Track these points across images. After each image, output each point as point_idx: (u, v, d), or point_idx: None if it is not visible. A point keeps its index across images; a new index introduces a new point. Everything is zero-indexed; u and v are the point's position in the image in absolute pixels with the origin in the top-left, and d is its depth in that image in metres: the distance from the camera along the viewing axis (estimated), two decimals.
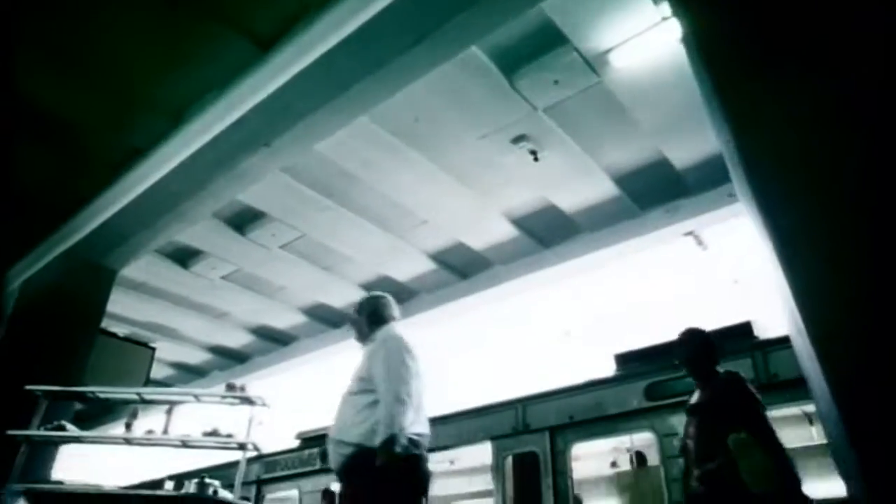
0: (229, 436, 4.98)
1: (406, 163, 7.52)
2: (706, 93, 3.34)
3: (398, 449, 3.04)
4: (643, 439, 7.99)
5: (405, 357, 3.40)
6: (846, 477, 2.92)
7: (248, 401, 5.10)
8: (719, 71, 3.11)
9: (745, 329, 7.07)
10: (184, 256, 9.84)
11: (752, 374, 6.48)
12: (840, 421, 2.30)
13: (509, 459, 8.05)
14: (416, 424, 3.33)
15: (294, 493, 10.50)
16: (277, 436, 11.29)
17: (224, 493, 4.40)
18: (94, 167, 7.28)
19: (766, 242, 2.75)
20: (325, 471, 10.06)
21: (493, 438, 8.25)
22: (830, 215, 2.53)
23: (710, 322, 7.72)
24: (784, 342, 6.45)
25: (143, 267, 9.56)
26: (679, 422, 6.82)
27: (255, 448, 4.96)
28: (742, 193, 3.34)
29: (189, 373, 13.71)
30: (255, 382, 16.78)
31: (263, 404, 5.10)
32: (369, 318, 3.80)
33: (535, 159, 7.25)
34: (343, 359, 13.51)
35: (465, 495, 11.89)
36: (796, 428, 7.48)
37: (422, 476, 3.23)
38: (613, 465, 9.22)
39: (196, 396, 5.29)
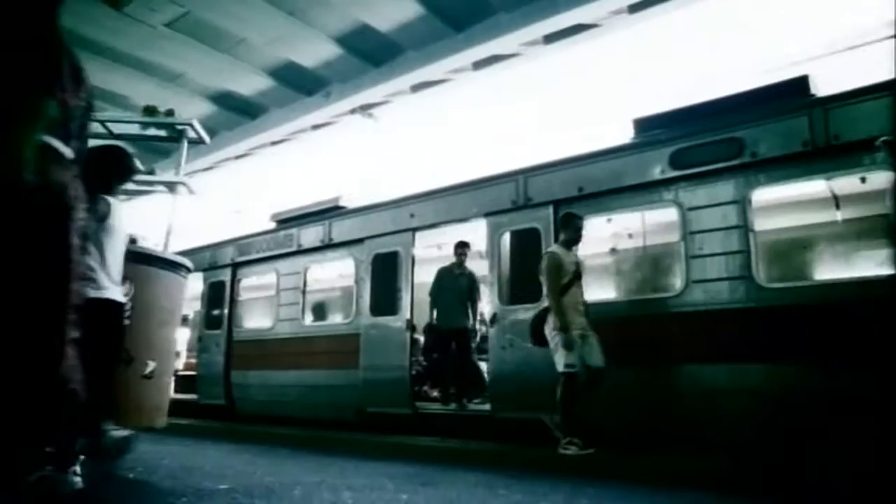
0: (151, 172, 3.95)
1: None
2: None
3: None
4: (655, 222, 7.19)
5: None
6: None
7: (173, 128, 3.99)
8: None
9: (799, 85, 5.98)
10: None
11: (808, 136, 5.49)
12: None
13: (506, 237, 7.40)
14: None
15: (272, 276, 9.99)
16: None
17: (149, 246, 3.49)
18: None
19: None
20: (302, 252, 9.50)
21: (489, 214, 7.48)
22: None
23: (753, 80, 6.59)
24: (852, 96, 5.39)
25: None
26: (707, 194, 6.03)
27: (189, 190, 3.98)
28: None
29: (150, 151, 12.45)
30: (225, 165, 15.89)
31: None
32: None
33: None
34: (320, 135, 12.46)
35: None
36: (818, 210, 6.62)
37: None
38: (613, 251, 8.58)
39: (104, 123, 4.12)
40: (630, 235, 8.06)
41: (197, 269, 11.32)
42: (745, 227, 5.73)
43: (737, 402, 5.35)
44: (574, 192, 6.86)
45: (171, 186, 3.95)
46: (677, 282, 6.17)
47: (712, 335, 5.68)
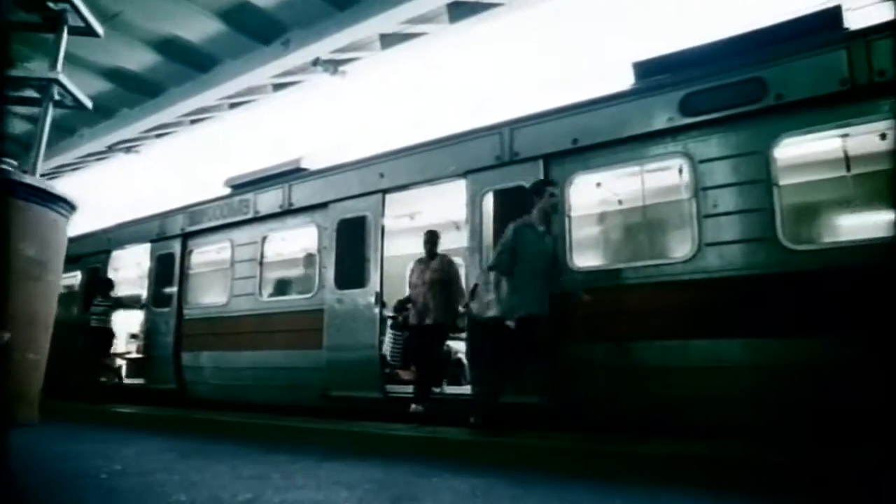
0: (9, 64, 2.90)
1: None
2: None
3: None
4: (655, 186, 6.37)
5: None
6: None
7: (46, 7, 2.93)
8: None
9: (830, 16, 5.15)
10: None
11: (846, 73, 4.67)
12: None
13: (489, 198, 6.62)
14: None
15: (226, 246, 8.94)
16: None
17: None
18: None
19: None
20: (259, 219, 8.50)
21: (470, 173, 6.58)
22: None
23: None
24: None
25: None
26: (723, 144, 5.26)
27: (73, 96, 2.94)
28: None
29: (90, 110, 11.11)
30: (180, 130, 14.60)
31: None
32: None
33: None
34: (284, 95, 11.36)
35: None
36: (856, 161, 5.84)
37: None
38: (602, 219, 7.77)
39: None
40: (620, 201, 7.21)
41: (144, 241, 10.40)
42: (767, 182, 4.96)
43: (758, 381, 4.69)
44: (567, 144, 6.09)
45: (43, 89, 2.91)
46: (687, 245, 5.30)
47: (729, 306, 4.90)
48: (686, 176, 5.44)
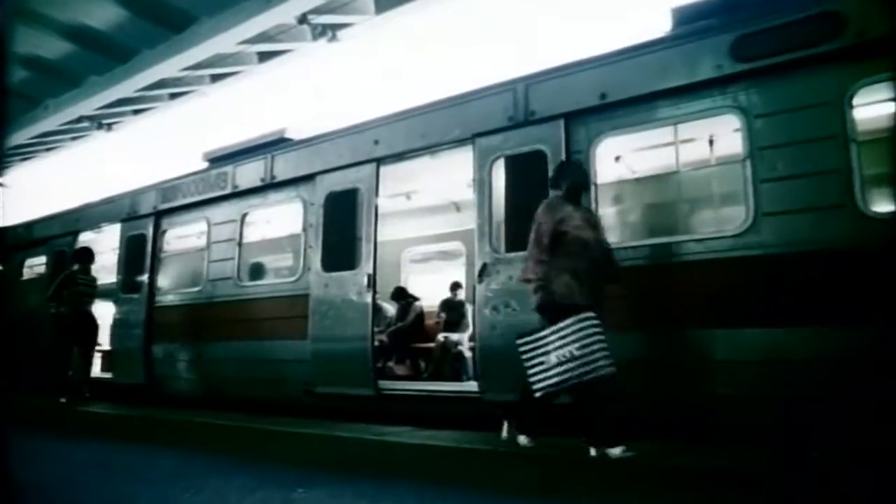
0: None
1: None
2: None
3: None
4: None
5: None
6: None
7: None
8: None
9: None
10: None
11: None
12: None
13: (500, 165, 5.82)
14: None
15: (202, 226, 8.20)
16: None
17: None
18: None
19: None
20: (238, 194, 7.58)
21: (477, 136, 5.73)
22: None
23: None
24: None
25: None
26: (786, 94, 4.42)
27: None
28: None
29: (53, 76, 10.16)
30: (158, 109, 13.58)
31: None
32: None
33: None
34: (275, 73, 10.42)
35: (425, 239, 9.77)
36: None
37: None
38: (632, 189, 6.92)
39: None
40: (636, 176, 6.35)
41: (114, 221, 9.49)
42: (842, 137, 4.09)
43: (832, 378, 3.88)
44: (594, 100, 5.23)
45: None
46: (739, 216, 4.50)
47: (793, 289, 4.09)
48: (739, 133, 4.57)
